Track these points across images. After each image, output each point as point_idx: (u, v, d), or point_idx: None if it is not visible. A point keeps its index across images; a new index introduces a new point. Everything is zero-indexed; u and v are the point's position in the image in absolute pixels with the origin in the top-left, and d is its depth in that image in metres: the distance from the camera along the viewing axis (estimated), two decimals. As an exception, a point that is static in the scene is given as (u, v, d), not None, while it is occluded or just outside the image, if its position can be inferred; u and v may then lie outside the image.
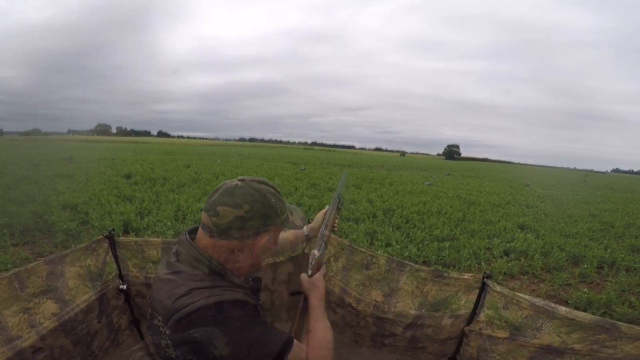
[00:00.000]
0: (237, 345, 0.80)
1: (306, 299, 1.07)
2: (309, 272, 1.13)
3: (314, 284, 1.09)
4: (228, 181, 0.92)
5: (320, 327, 1.00)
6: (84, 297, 1.43)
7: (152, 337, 0.91)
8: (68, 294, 1.38)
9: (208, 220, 0.88)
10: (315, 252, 1.16)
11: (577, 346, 1.14)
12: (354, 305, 1.70)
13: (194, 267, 0.88)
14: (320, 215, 1.46)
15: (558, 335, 1.18)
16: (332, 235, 1.83)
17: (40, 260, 1.34)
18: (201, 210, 0.93)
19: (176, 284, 0.85)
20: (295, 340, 0.89)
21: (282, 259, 1.84)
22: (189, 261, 0.89)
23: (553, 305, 1.22)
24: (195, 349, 0.81)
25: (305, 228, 1.46)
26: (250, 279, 1.07)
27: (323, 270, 1.15)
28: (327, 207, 1.43)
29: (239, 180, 0.91)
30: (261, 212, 0.88)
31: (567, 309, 1.18)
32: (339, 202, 1.40)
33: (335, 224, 1.36)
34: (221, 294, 0.83)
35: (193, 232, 0.97)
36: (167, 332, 0.83)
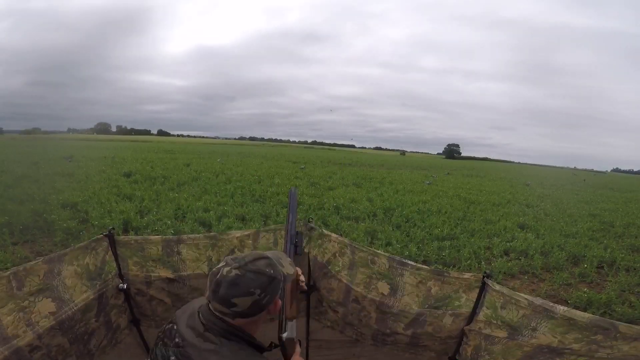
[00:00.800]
0: None
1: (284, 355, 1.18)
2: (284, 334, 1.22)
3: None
4: (223, 270, 0.98)
5: None
6: (83, 296, 1.42)
7: None
8: (66, 293, 1.37)
9: (227, 310, 0.97)
10: (283, 336, 1.22)
11: (575, 346, 1.14)
12: (360, 299, 1.69)
13: (228, 339, 0.99)
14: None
15: (555, 335, 1.18)
16: (333, 235, 1.82)
17: (39, 259, 1.33)
18: (208, 302, 1.01)
19: (223, 355, 0.97)
20: None
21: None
22: (222, 334, 0.99)
23: (551, 304, 1.22)
24: None
25: None
26: (273, 344, 1.21)
27: (298, 349, 1.24)
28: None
29: (234, 268, 0.97)
30: (269, 288, 0.99)
31: (565, 308, 1.18)
32: (295, 247, 1.43)
33: (301, 278, 1.35)
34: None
35: (207, 309, 1.04)
36: None
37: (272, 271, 1.00)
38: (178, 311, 1.13)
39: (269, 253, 1.08)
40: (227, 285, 0.95)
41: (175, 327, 1.05)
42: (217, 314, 0.99)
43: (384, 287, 1.63)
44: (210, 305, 1.00)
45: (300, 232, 1.48)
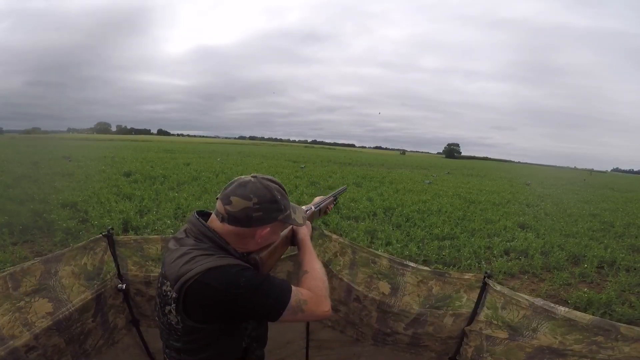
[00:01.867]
0: (250, 298, 0.93)
1: (286, 238, 1.18)
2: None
3: (306, 224, 1.25)
4: (243, 176, 1.03)
5: (317, 267, 1.13)
6: (80, 296, 1.42)
7: (160, 305, 1.00)
8: (63, 293, 1.36)
9: (222, 207, 0.99)
10: (312, 207, 1.41)
11: (575, 347, 1.13)
12: (361, 298, 1.69)
13: (200, 240, 0.99)
14: (318, 198, 1.63)
15: (556, 336, 1.18)
16: (334, 235, 1.83)
17: (36, 259, 1.33)
18: (217, 198, 1.04)
19: (183, 253, 0.97)
20: (292, 286, 1.02)
21: (282, 257, 1.83)
22: (195, 235, 1.00)
23: (552, 305, 1.21)
24: (203, 311, 0.93)
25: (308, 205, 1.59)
26: (248, 257, 1.15)
27: (310, 220, 1.36)
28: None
29: (252, 176, 1.02)
30: (267, 205, 0.99)
31: (566, 309, 1.17)
32: (335, 197, 1.66)
33: (329, 208, 1.59)
34: (222, 259, 0.95)
35: (201, 214, 1.08)
36: (174, 295, 0.93)
37: (279, 196, 1.02)
38: None
39: (291, 203, 1.10)
40: (236, 185, 0.99)
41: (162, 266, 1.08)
42: (212, 215, 1.03)
43: (384, 287, 1.63)
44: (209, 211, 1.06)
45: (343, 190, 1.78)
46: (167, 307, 0.95)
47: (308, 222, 1.30)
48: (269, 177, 1.04)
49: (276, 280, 1.01)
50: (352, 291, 1.72)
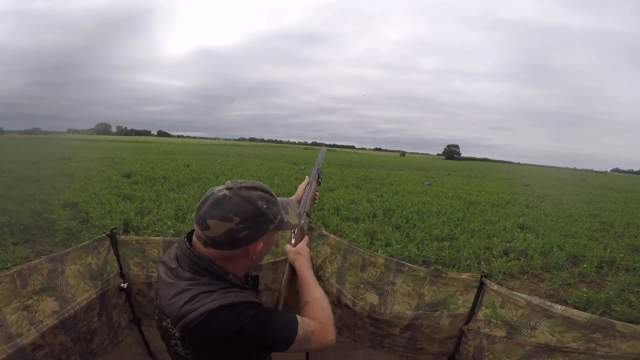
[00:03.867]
0: (257, 335, 0.87)
1: (292, 268, 1.13)
2: (293, 242, 1.19)
3: (299, 252, 1.14)
4: (216, 189, 0.89)
5: (319, 296, 1.06)
6: (85, 295, 1.43)
7: (162, 337, 0.96)
8: (68, 292, 1.38)
9: (200, 232, 0.88)
10: (300, 213, 1.19)
11: (573, 344, 1.15)
12: (350, 306, 1.70)
13: (196, 272, 0.90)
14: (301, 187, 1.53)
15: (553, 334, 1.19)
16: (331, 235, 1.83)
17: (42, 257, 1.34)
18: (184, 238, 0.94)
19: (181, 289, 0.88)
20: (297, 317, 0.95)
21: (282, 257, 1.84)
22: (190, 266, 0.90)
23: (549, 303, 1.22)
24: (211, 348, 0.87)
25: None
26: (249, 278, 1.09)
27: (306, 239, 1.20)
28: (306, 178, 1.54)
29: (226, 188, 0.88)
30: (252, 222, 0.87)
31: (563, 308, 1.19)
32: (318, 176, 1.54)
33: (316, 196, 1.50)
34: (226, 297, 0.86)
35: (191, 235, 0.98)
36: (177, 334, 0.87)
37: (264, 206, 0.88)
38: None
39: (282, 199, 0.99)
40: (210, 205, 0.85)
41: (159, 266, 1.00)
42: (194, 239, 0.92)
43: (372, 298, 1.63)
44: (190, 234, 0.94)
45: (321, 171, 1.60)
46: (172, 341, 0.92)
47: (304, 248, 1.18)
48: (248, 183, 0.91)
49: (282, 314, 0.95)
50: (341, 298, 1.73)
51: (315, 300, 1.05)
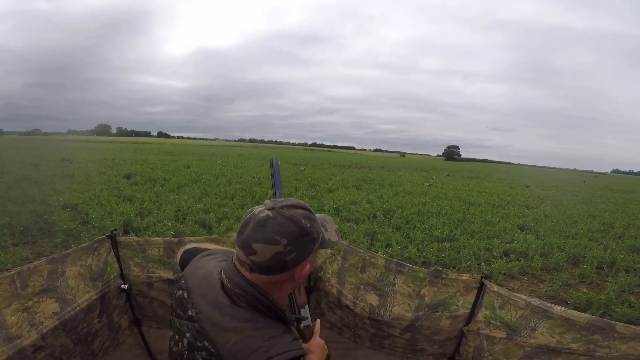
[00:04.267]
0: None
1: None
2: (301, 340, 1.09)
3: (311, 350, 1.05)
4: (256, 209, 0.84)
5: None
6: (85, 296, 1.44)
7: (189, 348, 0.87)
8: (69, 294, 1.38)
9: (245, 258, 0.83)
10: (301, 326, 1.13)
11: (573, 346, 1.15)
12: (350, 307, 1.70)
13: (255, 309, 0.84)
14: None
15: (553, 335, 1.19)
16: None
17: (42, 259, 1.34)
18: (233, 244, 0.87)
19: (246, 335, 0.81)
20: None
21: None
22: (248, 302, 0.84)
23: (549, 305, 1.23)
24: None
25: None
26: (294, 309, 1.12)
27: (317, 329, 1.11)
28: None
29: (267, 209, 0.83)
30: (299, 242, 0.82)
31: (563, 309, 1.19)
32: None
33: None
34: (289, 350, 0.81)
35: (207, 256, 0.96)
36: None
37: (308, 225, 0.83)
38: (186, 271, 0.98)
39: (318, 215, 0.93)
40: (253, 227, 0.80)
41: (186, 294, 0.91)
42: (237, 264, 0.85)
43: (372, 298, 1.63)
44: (234, 259, 0.86)
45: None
46: None
47: (313, 347, 1.06)
48: (289, 201, 0.86)
49: None
50: (341, 299, 1.73)
51: None
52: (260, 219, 0.81)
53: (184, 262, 1.09)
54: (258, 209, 0.84)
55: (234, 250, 0.88)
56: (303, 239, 0.83)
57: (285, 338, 0.82)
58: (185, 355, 0.87)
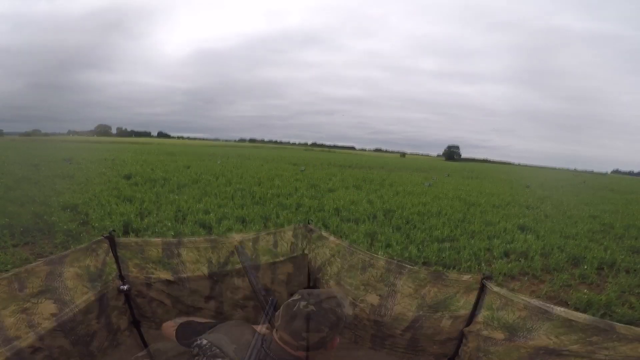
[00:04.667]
0: None
1: None
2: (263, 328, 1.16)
3: None
4: (300, 303, 1.01)
5: None
6: (84, 297, 1.43)
7: None
8: (67, 295, 1.38)
9: (293, 342, 1.00)
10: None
11: (573, 347, 1.14)
12: (354, 305, 1.70)
13: None
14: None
15: (554, 337, 1.19)
16: (331, 237, 1.83)
17: (40, 260, 1.34)
18: (275, 330, 1.03)
19: None
20: None
21: (281, 259, 1.84)
22: None
23: (549, 306, 1.22)
24: None
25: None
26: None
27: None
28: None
29: (310, 303, 1.01)
30: (336, 327, 1.03)
31: (564, 310, 1.19)
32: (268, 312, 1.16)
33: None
34: None
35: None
36: None
37: (340, 311, 1.05)
38: (212, 337, 1.06)
39: (335, 292, 1.12)
40: (302, 319, 0.98)
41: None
42: (281, 343, 1.01)
43: (373, 299, 1.63)
44: (274, 335, 1.03)
45: (274, 299, 1.22)
46: None
47: None
48: (323, 294, 1.04)
49: None
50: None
51: None
52: (307, 313, 0.99)
53: (183, 337, 1.19)
54: (301, 303, 1.01)
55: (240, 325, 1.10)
56: (339, 324, 1.04)
57: None
58: None
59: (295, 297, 1.04)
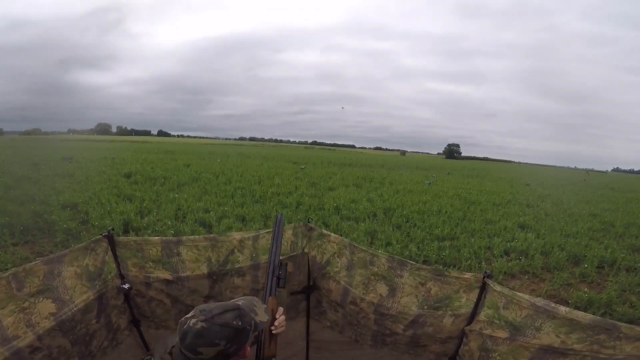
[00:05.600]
0: None
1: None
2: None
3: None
4: (190, 321, 0.98)
5: None
6: (83, 297, 1.42)
7: None
8: (66, 294, 1.37)
9: (193, 357, 0.98)
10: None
11: (577, 346, 1.14)
12: (357, 301, 1.69)
13: None
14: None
15: (557, 336, 1.18)
16: (332, 235, 1.83)
17: (38, 260, 1.33)
18: (180, 349, 1.01)
19: None
20: None
21: (281, 257, 1.83)
22: None
23: (553, 305, 1.21)
24: None
25: None
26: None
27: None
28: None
29: (200, 320, 0.98)
30: (236, 339, 0.99)
31: (567, 309, 1.18)
32: (279, 272, 1.39)
33: (278, 320, 1.29)
34: None
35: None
36: None
37: (239, 323, 1.01)
38: (158, 344, 1.14)
39: (242, 300, 1.09)
40: (193, 336, 0.96)
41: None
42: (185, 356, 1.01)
43: (382, 289, 1.63)
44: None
45: (284, 263, 1.42)
46: None
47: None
48: (220, 307, 1.01)
49: None
50: (348, 294, 1.72)
51: None
52: (196, 330, 0.96)
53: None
54: (192, 320, 0.98)
55: None
56: (239, 336, 1.00)
57: None
58: None
59: (189, 314, 1.01)
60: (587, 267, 5.19)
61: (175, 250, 1.69)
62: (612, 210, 11.44)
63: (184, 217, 6.55)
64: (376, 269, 1.65)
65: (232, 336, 0.99)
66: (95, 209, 6.59)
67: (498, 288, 1.36)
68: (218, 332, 0.97)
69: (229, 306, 1.03)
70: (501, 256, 5.57)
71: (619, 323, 1.09)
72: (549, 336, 1.20)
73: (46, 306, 1.29)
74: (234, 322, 1.00)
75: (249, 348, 1.07)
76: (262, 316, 1.10)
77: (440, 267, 4.89)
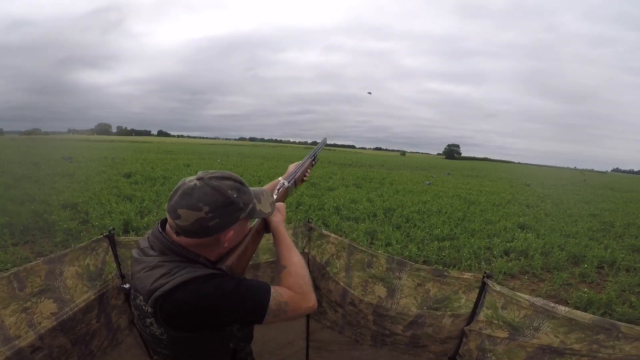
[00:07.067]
0: (226, 306, 0.87)
1: (265, 222, 1.09)
2: (275, 197, 1.21)
3: (278, 208, 1.13)
4: (187, 179, 0.91)
5: (296, 260, 1.02)
6: (83, 296, 1.43)
7: (138, 317, 0.95)
8: (67, 294, 1.37)
9: (172, 221, 0.90)
10: (285, 182, 1.32)
11: (576, 346, 1.14)
12: (356, 303, 1.70)
13: (166, 255, 0.92)
14: (292, 165, 1.56)
15: (556, 336, 1.18)
16: (332, 235, 1.83)
17: (39, 259, 1.34)
18: (157, 225, 0.97)
19: (152, 266, 0.90)
20: (271, 287, 0.94)
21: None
22: (161, 250, 0.93)
23: (552, 305, 1.21)
24: (183, 323, 0.88)
25: (281, 179, 1.42)
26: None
27: (284, 203, 1.22)
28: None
29: (197, 179, 0.90)
30: (222, 210, 0.88)
31: (567, 309, 1.18)
32: (314, 157, 1.61)
33: (307, 174, 1.54)
34: (196, 271, 0.88)
35: (164, 222, 0.99)
36: (149, 309, 0.88)
37: (234, 195, 0.90)
38: None
39: (255, 188, 1.01)
40: (181, 194, 0.88)
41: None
42: (167, 227, 0.94)
43: (380, 290, 1.64)
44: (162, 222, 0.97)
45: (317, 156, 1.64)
46: (147, 320, 0.91)
47: (281, 204, 1.17)
48: (220, 173, 0.92)
49: (252, 283, 0.93)
50: (347, 295, 1.73)
51: (293, 265, 1.00)
52: (187, 187, 0.88)
53: None
54: (189, 178, 0.91)
55: None
56: (228, 208, 0.89)
57: (192, 269, 0.87)
58: (138, 317, 0.95)
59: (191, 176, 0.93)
60: (586, 267, 5.19)
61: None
62: (612, 210, 11.45)
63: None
64: (374, 271, 1.66)
65: (219, 205, 0.87)
66: (95, 208, 6.59)
67: (497, 288, 1.36)
68: (206, 195, 0.86)
69: (230, 175, 0.94)
70: (501, 256, 5.58)
71: (618, 322, 1.09)
72: (548, 336, 1.20)
73: (47, 306, 1.29)
74: (229, 192, 0.89)
75: (232, 232, 0.92)
76: (264, 206, 1.00)
77: (440, 267, 4.90)
